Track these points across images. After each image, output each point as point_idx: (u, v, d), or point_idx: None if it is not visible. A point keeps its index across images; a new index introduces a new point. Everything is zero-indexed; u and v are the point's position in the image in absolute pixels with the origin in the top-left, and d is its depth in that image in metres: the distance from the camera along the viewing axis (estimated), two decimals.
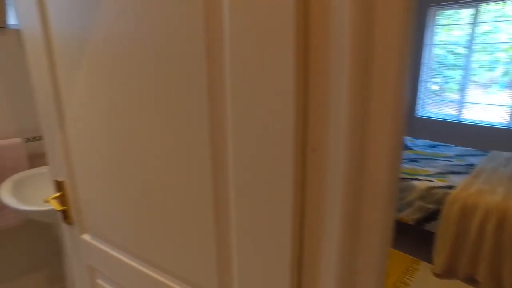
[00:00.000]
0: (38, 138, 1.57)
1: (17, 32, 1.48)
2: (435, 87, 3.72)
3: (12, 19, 1.49)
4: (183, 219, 0.59)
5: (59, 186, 0.89)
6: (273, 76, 0.39)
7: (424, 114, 3.84)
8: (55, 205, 0.86)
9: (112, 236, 0.81)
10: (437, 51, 3.61)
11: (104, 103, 0.67)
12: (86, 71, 0.69)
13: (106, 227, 0.82)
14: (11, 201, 1.16)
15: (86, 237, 0.90)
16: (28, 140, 1.52)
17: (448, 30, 3.49)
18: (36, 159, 1.61)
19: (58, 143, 0.84)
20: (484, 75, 3.33)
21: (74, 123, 0.78)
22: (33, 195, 1.31)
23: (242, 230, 0.49)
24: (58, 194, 0.90)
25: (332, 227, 0.40)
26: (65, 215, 0.91)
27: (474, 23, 3.29)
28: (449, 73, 3.57)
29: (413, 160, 2.72)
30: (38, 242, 1.75)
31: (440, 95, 3.71)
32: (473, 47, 3.34)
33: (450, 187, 2.12)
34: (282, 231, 0.43)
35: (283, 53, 0.37)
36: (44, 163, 1.62)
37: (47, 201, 0.88)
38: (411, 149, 3.08)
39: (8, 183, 1.31)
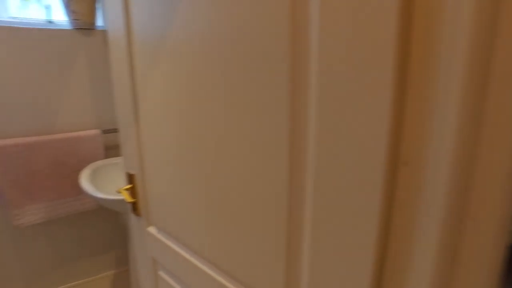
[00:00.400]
0: (113, 131, 1.68)
1: (103, 32, 1.60)
2: None
3: (99, 21, 1.62)
4: (253, 223, 0.57)
5: (131, 178, 0.93)
6: (367, 78, 0.34)
7: None
8: (126, 197, 0.90)
9: (176, 232, 0.82)
10: None
11: (179, 100, 0.67)
12: (162, 69, 0.70)
13: (171, 223, 0.83)
14: (89, 188, 1.25)
15: (152, 230, 0.93)
16: (105, 132, 1.64)
17: None
18: (111, 150, 1.73)
19: (132, 137, 0.88)
20: None
21: (148, 118, 0.80)
22: (106, 184, 1.40)
23: (316, 246, 0.45)
24: (129, 186, 0.94)
25: (423, 257, 0.35)
26: (134, 206, 0.95)
27: None
28: None
29: None
30: (108, 226, 1.89)
31: None
32: None
33: None
34: (362, 258, 0.39)
35: (381, 54, 0.33)
36: (117, 154, 1.74)
37: (119, 192, 0.92)
38: None
39: (87, 171, 1.42)
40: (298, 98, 0.44)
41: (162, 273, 0.96)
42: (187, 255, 0.80)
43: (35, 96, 1.53)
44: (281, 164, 0.48)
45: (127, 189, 0.93)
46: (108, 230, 1.90)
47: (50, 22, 1.62)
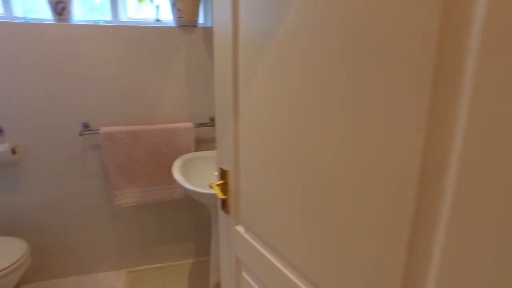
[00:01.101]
0: (204, 125, 1.74)
1: (203, 30, 1.66)
2: None
3: (201, 19, 1.68)
4: (366, 234, 0.51)
5: (223, 174, 0.93)
6: None
7: None
8: (217, 193, 0.89)
9: (265, 235, 0.79)
10: None
11: (284, 98, 0.64)
12: (267, 66, 0.67)
13: (261, 225, 0.80)
14: (180, 179, 1.30)
15: (239, 229, 0.91)
16: (197, 125, 1.70)
17: None
18: (201, 144, 1.80)
19: (228, 132, 0.87)
20: None
21: (248, 115, 0.78)
22: (196, 176, 1.45)
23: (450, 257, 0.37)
24: (221, 182, 0.93)
25: None
26: (224, 203, 0.95)
27: None
28: None
29: None
30: (192, 217, 1.97)
31: None
32: None
33: None
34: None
35: None
36: (206, 148, 1.80)
37: (211, 187, 0.92)
38: None
39: (179, 162, 1.48)
40: (445, 100, 0.36)
41: (245, 274, 0.95)
42: (274, 260, 0.77)
43: (140, 88, 1.65)
44: (409, 183, 0.41)
45: (218, 185, 0.92)
46: (192, 221, 1.98)
47: (157, 20, 1.73)
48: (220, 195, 0.89)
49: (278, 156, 0.69)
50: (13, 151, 1.58)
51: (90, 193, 1.77)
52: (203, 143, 1.80)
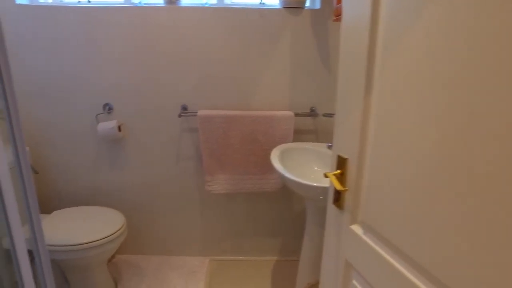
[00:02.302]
0: (304, 115, 1.62)
1: (310, 12, 1.54)
2: None
3: (308, 1, 1.57)
4: None
5: (341, 163, 0.79)
6: None
7: None
8: (335, 183, 0.76)
9: (395, 239, 0.63)
10: None
11: (443, 79, 0.48)
12: (423, 34, 0.52)
13: (390, 227, 0.65)
14: (279, 167, 1.20)
15: (355, 228, 0.77)
16: (296, 115, 1.59)
17: None
18: (298, 135, 1.68)
19: (354, 114, 0.73)
20: None
21: (387, 94, 0.64)
22: (293, 167, 1.33)
23: None
24: (337, 171, 0.80)
25: None
26: (338, 197, 0.81)
27: None
28: None
29: None
30: (283, 212, 1.87)
31: None
32: None
33: None
34: None
35: None
36: (304, 140, 1.67)
37: (326, 176, 0.79)
38: None
39: (276, 151, 1.39)
40: None
41: (356, 283, 0.80)
42: (405, 271, 0.61)
43: (240, 73, 1.60)
44: None
45: (335, 175, 0.79)
46: (282, 217, 1.88)
47: (261, 3, 1.67)
48: (338, 186, 0.76)
49: (426, 148, 0.53)
50: (119, 128, 1.66)
51: (183, 176, 1.78)
52: (301, 134, 1.68)
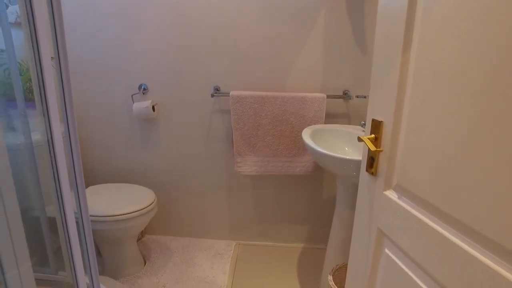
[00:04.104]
0: (337, 97, 1.59)
1: None
2: None
3: None
4: None
5: (376, 127, 0.77)
6: None
7: None
8: (369, 145, 0.74)
9: (434, 199, 0.60)
10: None
11: (490, 35, 0.45)
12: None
13: (426, 188, 0.62)
14: (311, 143, 1.18)
15: (390, 194, 0.74)
16: (329, 97, 1.56)
17: None
18: (330, 118, 1.65)
19: (392, 72, 0.71)
20: None
21: (427, 51, 0.61)
22: (324, 146, 1.31)
23: None
24: (372, 136, 0.78)
25: None
26: (371, 162, 0.79)
27: None
28: None
29: None
30: (311, 198, 1.84)
31: None
32: None
33: None
34: None
35: None
36: (335, 122, 1.65)
37: (360, 140, 0.77)
38: None
39: (308, 130, 1.37)
40: None
41: (389, 252, 0.77)
42: (446, 233, 0.58)
43: (273, 54, 1.60)
44: None
45: (369, 139, 0.77)
46: (310, 204, 1.86)
47: None
48: (373, 147, 0.73)
49: (463, 109, 0.51)
50: (153, 108, 1.70)
51: (214, 156, 1.80)
52: (334, 117, 1.65)
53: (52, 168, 0.71)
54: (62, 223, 0.74)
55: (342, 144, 1.39)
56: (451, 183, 0.56)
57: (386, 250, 0.78)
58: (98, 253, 1.65)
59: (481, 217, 0.50)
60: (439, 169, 0.59)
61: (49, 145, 0.68)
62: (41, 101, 0.66)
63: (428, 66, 0.61)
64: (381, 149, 0.74)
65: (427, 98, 0.61)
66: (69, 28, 1.65)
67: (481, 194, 0.50)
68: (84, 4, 1.62)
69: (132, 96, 1.73)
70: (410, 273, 0.69)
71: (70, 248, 0.78)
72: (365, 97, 1.50)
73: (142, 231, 1.99)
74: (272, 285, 1.60)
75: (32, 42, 0.63)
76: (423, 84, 0.62)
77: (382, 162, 0.76)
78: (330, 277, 1.19)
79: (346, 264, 1.19)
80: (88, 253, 0.83)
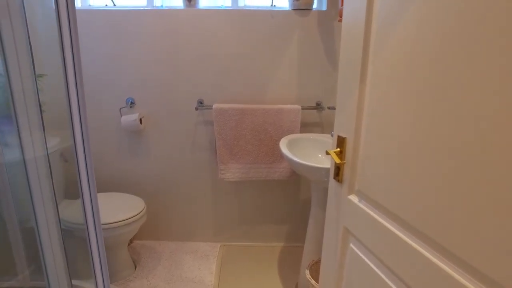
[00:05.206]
0: (311, 108, 1.75)
1: (318, 13, 1.67)
2: None
3: (315, 3, 1.70)
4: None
5: (341, 142, 0.92)
6: None
7: None
8: (335, 158, 0.89)
9: (385, 203, 0.76)
10: None
11: (424, 63, 0.61)
12: (407, 28, 0.65)
13: (380, 193, 0.78)
14: (287, 153, 1.33)
15: (353, 198, 0.90)
16: (303, 108, 1.72)
17: None
18: (305, 127, 1.81)
19: (352, 98, 0.86)
20: None
21: (377, 80, 0.76)
22: (300, 154, 1.46)
23: None
24: (337, 149, 0.93)
25: None
26: (338, 172, 0.94)
27: None
28: None
29: None
30: (288, 200, 2.00)
31: None
32: None
33: None
34: None
35: None
36: (310, 131, 1.80)
37: (327, 153, 0.92)
38: None
39: (284, 140, 1.52)
40: None
41: (353, 246, 0.92)
42: (394, 229, 0.73)
43: (252, 70, 1.74)
44: None
45: (335, 152, 0.92)
46: (288, 205, 2.01)
47: (273, 6, 1.80)
48: (337, 160, 0.89)
49: (407, 126, 0.66)
50: (140, 120, 1.81)
51: (198, 165, 1.92)
52: (308, 126, 1.81)
53: (79, 178, 0.82)
54: (88, 233, 0.85)
55: (316, 152, 1.55)
56: (395, 188, 0.72)
57: (351, 245, 0.93)
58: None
59: (421, 217, 0.66)
60: (385, 176, 0.75)
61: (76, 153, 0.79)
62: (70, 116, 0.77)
63: (378, 96, 0.77)
64: (344, 161, 0.89)
65: (378, 121, 0.77)
66: None
67: (416, 198, 0.66)
68: None
69: (120, 109, 1.83)
70: (370, 264, 0.84)
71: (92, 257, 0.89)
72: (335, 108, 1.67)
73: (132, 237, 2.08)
74: (256, 282, 1.74)
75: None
76: (375, 109, 0.78)
77: (346, 171, 0.91)
78: (307, 271, 1.34)
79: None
80: (101, 261, 0.93)
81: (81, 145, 0.84)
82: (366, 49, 0.81)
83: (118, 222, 1.55)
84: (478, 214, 0.52)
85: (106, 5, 1.82)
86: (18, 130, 0.79)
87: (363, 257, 0.87)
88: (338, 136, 0.93)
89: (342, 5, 1.51)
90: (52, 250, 0.94)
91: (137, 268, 1.84)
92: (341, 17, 1.55)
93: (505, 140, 0.47)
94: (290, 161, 1.29)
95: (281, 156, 1.76)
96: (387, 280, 0.76)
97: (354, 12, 0.84)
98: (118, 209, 1.64)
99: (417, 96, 0.64)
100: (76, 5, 1.84)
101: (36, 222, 0.85)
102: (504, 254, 0.48)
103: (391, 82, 0.72)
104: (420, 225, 0.65)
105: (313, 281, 1.29)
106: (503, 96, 0.47)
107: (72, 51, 0.78)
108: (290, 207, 2.01)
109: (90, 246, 0.86)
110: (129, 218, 1.58)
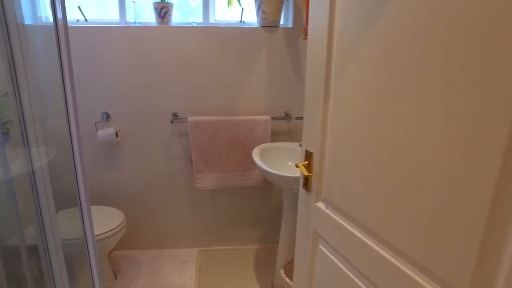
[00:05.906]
0: (280, 118, 1.88)
1: (284, 30, 1.80)
2: None
3: (282, 20, 1.83)
4: (442, 209, 0.59)
5: (308, 156, 1.04)
6: None
7: None
8: (303, 170, 1.01)
9: (350, 210, 0.88)
10: None
11: (375, 89, 0.74)
12: (361, 57, 0.77)
13: (343, 200, 0.90)
14: (260, 163, 1.44)
15: (320, 205, 1.02)
16: (273, 119, 1.84)
17: None
18: (275, 136, 1.94)
19: (317, 118, 0.98)
20: None
21: (338, 102, 0.89)
22: (271, 163, 1.58)
23: None
24: (305, 162, 1.05)
25: None
26: (306, 182, 1.07)
27: None
28: None
29: None
30: (262, 205, 2.12)
31: None
32: None
33: None
34: None
35: None
36: (280, 140, 1.93)
37: (297, 166, 1.04)
38: None
39: (257, 150, 1.63)
40: None
41: (321, 247, 1.05)
42: (354, 231, 0.86)
43: (224, 83, 1.84)
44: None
45: (304, 165, 1.04)
46: (261, 209, 2.13)
47: (242, 22, 1.91)
48: (306, 173, 1.01)
49: (364, 141, 0.79)
50: (116, 134, 1.85)
51: (174, 175, 1.99)
52: (278, 135, 1.94)
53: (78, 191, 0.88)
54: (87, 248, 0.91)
55: (286, 160, 1.68)
56: (354, 197, 0.85)
57: (320, 246, 1.06)
58: (72, 272, 1.76)
59: (375, 220, 0.79)
60: (346, 186, 0.87)
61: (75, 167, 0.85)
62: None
63: (339, 116, 0.89)
64: (312, 173, 1.02)
65: (340, 138, 0.90)
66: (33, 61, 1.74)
67: (370, 204, 0.79)
68: (45, 38, 1.73)
69: (95, 124, 1.86)
70: (337, 263, 0.96)
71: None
72: (303, 118, 1.81)
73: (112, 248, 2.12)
74: (234, 284, 1.84)
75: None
76: (338, 127, 0.91)
77: (313, 182, 1.04)
78: (282, 271, 1.46)
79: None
80: (96, 273, 1.00)
81: (79, 158, 0.91)
82: (328, 72, 0.92)
83: (99, 235, 1.59)
84: (420, 218, 0.66)
85: (78, 20, 1.85)
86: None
87: (330, 256, 0.99)
88: (306, 150, 1.05)
89: (306, 24, 1.64)
90: (59, 267, 0.99)
91: (117, 278, 1.89)
92: (305, 35, 1.69)
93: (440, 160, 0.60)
94: (263, 171, 1.41)
95: (254, 164, 1.88)
96: (350, 275, 0.89)
97: (317, 27, 0.96)
98: (98, 222, 1.67)
99: (371, 119, 0.77)
100: (48, 21, 1.86)
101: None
102: (445, 249, 0.61)
103: (351, 103, 0.84)
104: (375, 227, 0.78)
105: (287, 280, 1.41)
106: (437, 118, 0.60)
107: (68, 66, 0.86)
108: (263, 211, 2.13)
109: (89, 258, 0.93)
110: (110, 231, 1.62)
